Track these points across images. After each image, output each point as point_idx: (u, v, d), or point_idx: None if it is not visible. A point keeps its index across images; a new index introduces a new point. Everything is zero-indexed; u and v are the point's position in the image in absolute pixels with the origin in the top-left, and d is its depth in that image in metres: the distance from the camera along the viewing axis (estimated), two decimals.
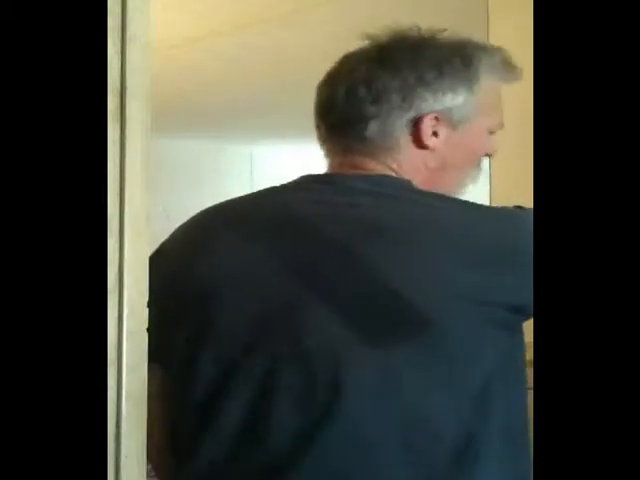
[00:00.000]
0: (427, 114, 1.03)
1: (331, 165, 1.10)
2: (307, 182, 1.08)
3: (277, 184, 1.12)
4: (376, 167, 1.06)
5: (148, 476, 0.74)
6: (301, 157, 3.54)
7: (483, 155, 1.13)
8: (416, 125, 1.03)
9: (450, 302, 0.96)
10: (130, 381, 0.66)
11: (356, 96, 1.05)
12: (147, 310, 0.69)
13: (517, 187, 1.40)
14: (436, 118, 1.04)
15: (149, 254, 0.72)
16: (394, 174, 1.05)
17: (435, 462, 0.96)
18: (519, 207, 1.07)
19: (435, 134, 1.04)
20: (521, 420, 1.05)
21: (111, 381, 0.64)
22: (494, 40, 1.73)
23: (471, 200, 1.05)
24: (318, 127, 1.11)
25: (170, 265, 1.06)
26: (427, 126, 1.03)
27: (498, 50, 1.12)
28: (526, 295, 0.95)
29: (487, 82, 1.10)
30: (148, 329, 0.71)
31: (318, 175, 1.10)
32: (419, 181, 1.05)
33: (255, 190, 1.15)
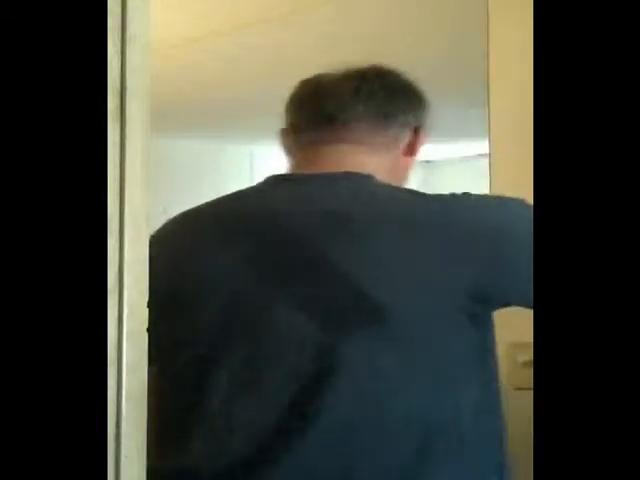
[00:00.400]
0: (411, 126, 1.19)
1: (297, 165, 1.16)
2: (274, 182, 1.13)
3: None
4: (346, 165, 1.12)
5: None
6: None
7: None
8: (414, 133, 1.19)
9: (411, 291, 0.98)
10: (130, 381, 0.66)
11: (345, 98, 1.14)
12: (147, 310, 0.69)
13: (517, 187, 1.40)
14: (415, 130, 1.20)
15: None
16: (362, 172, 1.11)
17: (404, 449, 0.99)
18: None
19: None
20: (492, 411, 1.06)
21: (111, 381, 0.64)
22: (494, 40, 1.73)
23: None
24: (293, 126, 1.18)
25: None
26: (409, 136, 1.19)
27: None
28: (489, 283, 0.98)
29: None
30: (148, 329, 0.71)
31: (283, 175, 1.16)
32: (386, 180, 1.13)
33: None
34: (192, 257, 1.09)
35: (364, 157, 1.14)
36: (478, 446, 1.04)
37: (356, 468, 0.98)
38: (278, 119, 1.22)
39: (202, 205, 1.15)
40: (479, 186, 1.51)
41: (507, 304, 1.08)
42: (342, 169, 1.11)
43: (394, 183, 1.14)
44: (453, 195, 1.07)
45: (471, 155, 5.68)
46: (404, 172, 1.21)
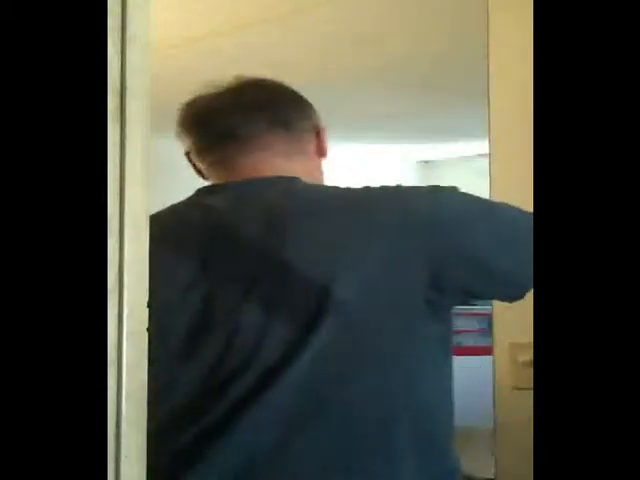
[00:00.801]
0: (310, 129, 1.22)
1: (219, 178, 1.19)
2: (208, 192, 1.17)
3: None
4: (265, 171, 1.15)
5: None
6: None
7: None
8: (317, 136, 1.22)
9: (366, 281, 1.00)
10: (130, 381, 0.66)
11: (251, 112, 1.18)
12: (147, 310, 0.69)
13: (517, 187, 1.40)
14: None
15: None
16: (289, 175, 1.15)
17: (355, 442, 1.00)
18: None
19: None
20: (447, 409, 1.08)
21: (111, 381, 0.64)
22: (494, 40, 1.73)
23: None
24: (198, 148, 1.22)
25: None
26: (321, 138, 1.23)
27: None
28: (442, 268, 0.99)
29: None
30: (148, 329, 0.71)
31: (214, 185, 1.20)
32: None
33: None
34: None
35: (280, 162, 1.17)
36: (433, 439, 1.06)
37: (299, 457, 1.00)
38: None
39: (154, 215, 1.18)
40: (479, 186, 1.51)
41: (468, 294, 1.10)
42: (264, 175, 1.15)
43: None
44: (396, 185, 1.10)
45: (470, 155, 5.67)
46: (321, 173, 1.25)
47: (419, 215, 1.04)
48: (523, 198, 1.06)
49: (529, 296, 1.05)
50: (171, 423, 1.03)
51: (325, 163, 1.26)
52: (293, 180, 1.13)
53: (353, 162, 5.19)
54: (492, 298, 1.42)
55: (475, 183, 1.67)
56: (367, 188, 1.10)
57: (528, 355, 1.60)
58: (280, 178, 1.13)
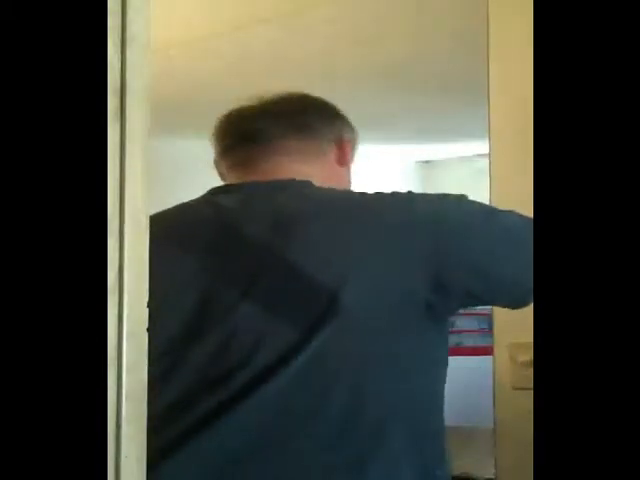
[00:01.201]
0: (332, 138, 1.25)
1: (234, 180, 1.23)
2: (218, 191, 1.19)
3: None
4: (281, 175, 1.17)
5: None
6: None
7: None
8: (339, 145, 1.25)
9: (367, 282, 1.00)
10: (130, 381, 0.66)
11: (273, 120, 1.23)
12: (147, 310, 0.69)
13: (517, 187, 1.40)
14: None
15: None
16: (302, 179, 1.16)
17: (355, 437, 1.01)
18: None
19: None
20: (438, 410, 1.09)
21: (111, 381, 0.64)
22: (494, 40, 1.73)
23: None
24: (222, 151, 1.27)
25: None
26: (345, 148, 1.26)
27: None
28: (442, 270, 1.00)
29: None
30: (148, 329, 0.71)
31: (226, 185, 1.23)
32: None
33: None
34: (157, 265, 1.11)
35: (297, 166, 1.19)
36: (428, 440, 1.07)
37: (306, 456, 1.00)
38: None
39: (162, 213, 1.18)
40: (478, 186, 1.51)
41: (469, 299, 1.11)
42: (279, 177, 1.17)
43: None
44: (407, 192, 1.11)
45: (470, 155, 5.67)
46: (341, 180, 1.27)
47: (423, 220, 1.05)
48: (523, 198, 1.06)
49: None
50: (161, 421, 1.03)
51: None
52: (305, 183, 1.14)
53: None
54: (493, 304, 1.42)
55: (475, 183, 1.67)
56: (378, 193, 1.11)
57: (528, 355, 1.60)
58: (292, 181, 1.15)
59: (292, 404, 1.00)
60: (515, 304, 1.12)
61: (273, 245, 1.05)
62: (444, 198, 1.09)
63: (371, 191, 1.12)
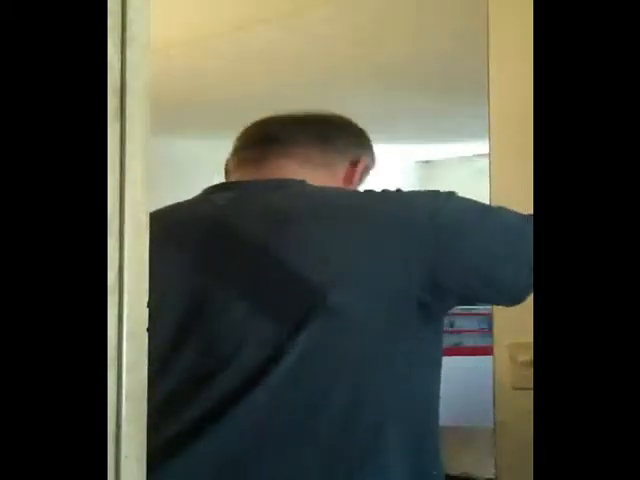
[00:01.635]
0: (348, 156, 1.25)
1: (235, 178, 1.23)
2: (214, 190, 1.19)
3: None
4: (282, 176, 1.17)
5: None
6: None
7: None
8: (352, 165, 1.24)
9: (359, 282, 1.01)
10: (130, 381, 0.66)
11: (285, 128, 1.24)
12: (147, 310, 0.69)
13: (517, 187, 1.40)
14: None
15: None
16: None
17: (355, 438, 1.01)
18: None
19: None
20: (435, 409, 1.09)
21: (111, 381, 0.64)
22: (494, 40, 1.73)
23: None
24: (235, 151, 1.26)
25: None
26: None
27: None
28: (439, 274, 1.00)
29: None
30: (148, 329, 0.71)
31: (222, 183, 1.23)
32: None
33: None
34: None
35: (303, 171, 1.19)
36: (424, 440, 1.07)
37: (305, 456, 1.00)
38: None
39: (159, 211, 1.18)
40: (478, 186, 1.51)
41: (464, 298, 1.12)
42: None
43: None
44: (397, 190, 1.11)
45: (470, 155, 5.67)
46: None
47: (417, 218, 1.04)
48: (523, 198, 1.06)
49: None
50: (154, 422, 1.03)
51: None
52: (301, 183, 1.14)
53: None
54: (488, 302, 1.42)
55: (475, 183, 1.67)
56: (369, 191, 1.11)
57: (528, 355, 1.60)
58: (288, 180, 1.15)
59: (285, 403, 1.00)
60: (511, 301, 1.12)
61: (266, 243, 1.05)
62: (436, 195, 1.09)
63: (362, 190, 1.12)
